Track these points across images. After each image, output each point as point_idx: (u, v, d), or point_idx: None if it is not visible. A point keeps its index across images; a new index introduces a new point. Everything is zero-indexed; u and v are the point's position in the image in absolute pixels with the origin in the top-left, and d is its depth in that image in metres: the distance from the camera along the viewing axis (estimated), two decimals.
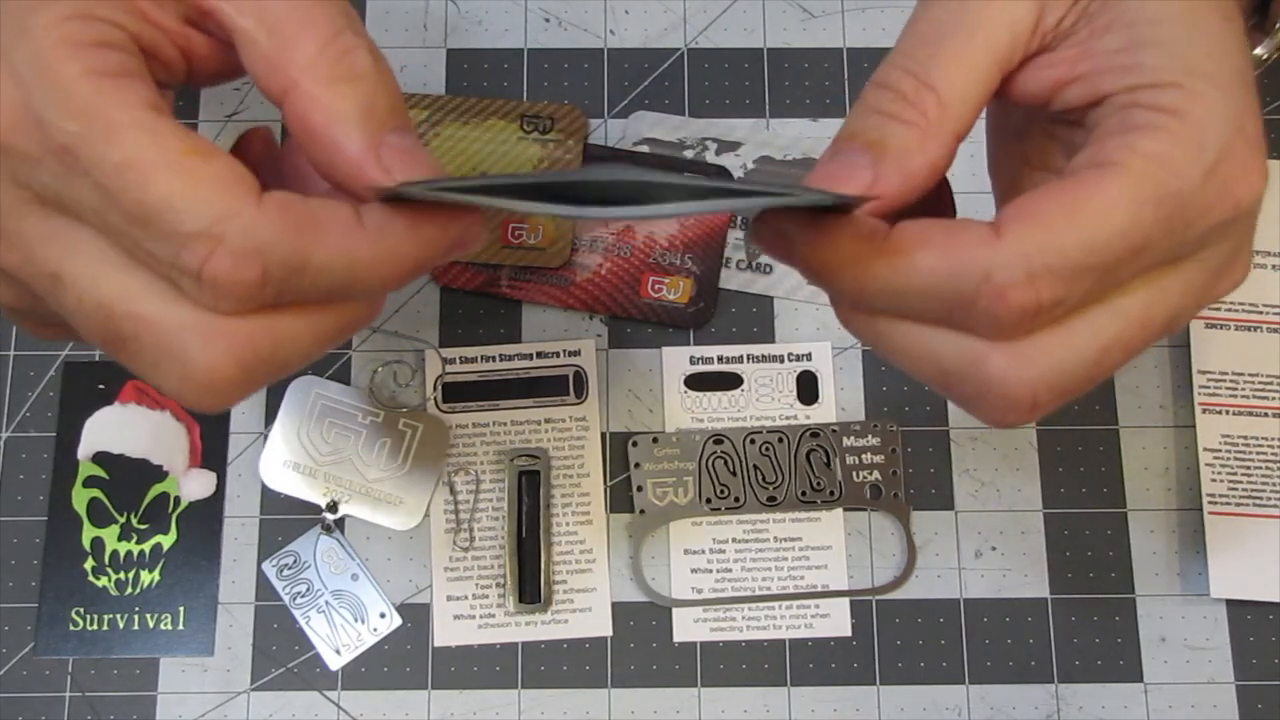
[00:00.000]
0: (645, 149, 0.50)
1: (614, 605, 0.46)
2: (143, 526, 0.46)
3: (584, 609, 0.46)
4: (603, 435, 0.48)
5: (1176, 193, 0.27)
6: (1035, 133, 0.32)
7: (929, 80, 0.29)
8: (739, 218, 0.49)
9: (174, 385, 0.27)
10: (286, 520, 0.47)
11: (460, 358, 0.48)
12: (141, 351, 0.27)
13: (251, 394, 0.28)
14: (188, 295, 0.26)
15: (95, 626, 0.46)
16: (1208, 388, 0.48)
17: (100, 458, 0.47)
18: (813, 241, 0.29)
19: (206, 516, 0.47)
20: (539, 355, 0.48)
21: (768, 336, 0.49)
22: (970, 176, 0.43)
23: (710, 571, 0.47)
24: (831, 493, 0.47)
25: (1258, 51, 0.41)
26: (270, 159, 0.32)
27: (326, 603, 0.46)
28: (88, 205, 0.26)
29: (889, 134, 0.29)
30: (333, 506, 0.46)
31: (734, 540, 0.47)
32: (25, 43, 0.26)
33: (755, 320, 0.49)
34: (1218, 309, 0.48)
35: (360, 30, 0.29)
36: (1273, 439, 0.47)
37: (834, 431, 0.48)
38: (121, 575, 0.46)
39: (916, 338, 0.29)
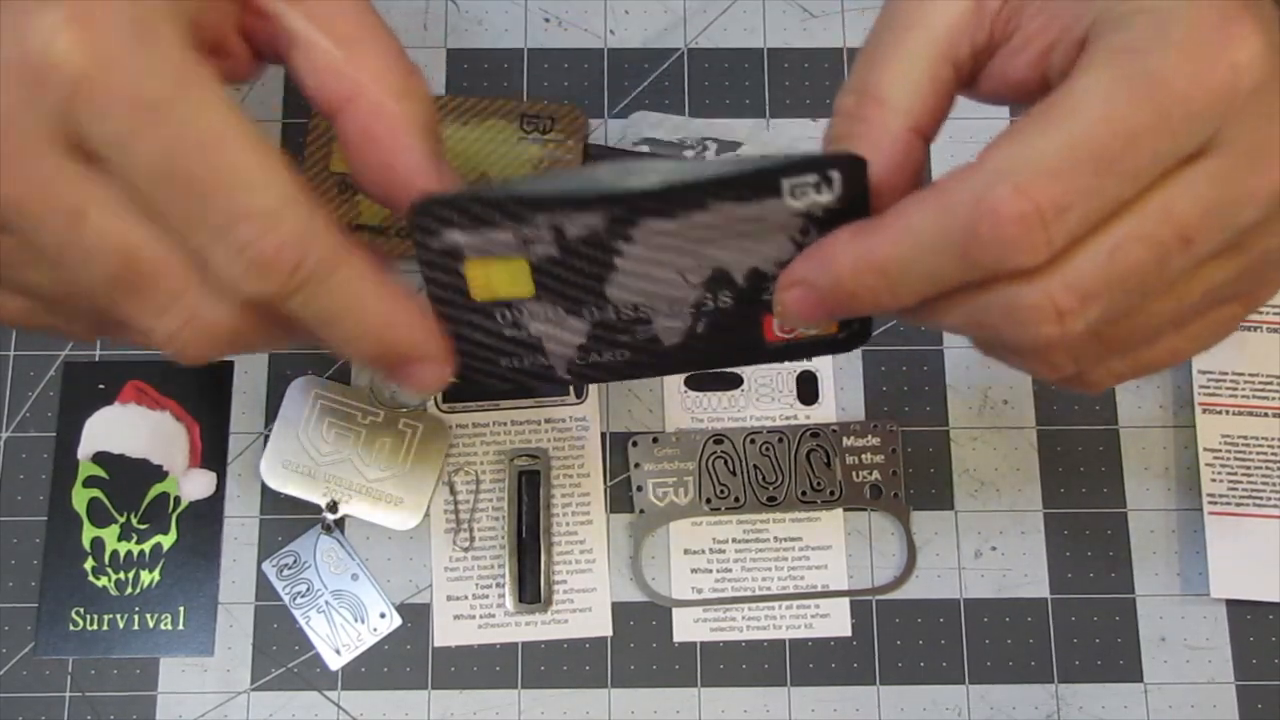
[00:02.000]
0: (645, 149, 0.50)
1: (614, 605, 0.46)
2: (143, 526, 0.46)
3: (584, 609, 0.46)
4: (603, 435, 0.48)
5: (1148, 70, 0.26)
6: None
7: (868, 90, 0.30)
8: None
9: (172, 328, 0.28)
10: (286, 520, 0.47)
11: None
12: (153, 297, 0.28)
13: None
14: (211, 268, 0.28)
15: (95, 626, 0.46)
16: (1208, 388, 0.48)
17: (100, 458, 0.47)
18: (822, 263, 0.29)
19: (206, 516, 0.47)
20: None
21: None
22: None
23: (710, 571, 0.47)
24: (831, 493, 0.47)
25: None
26: None
27: (326, 603, 0.46)
28: (142, 163, 0.26)
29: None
30: (333, 506, 0.46)
31: (734, 540, 0.47)
32: (129, 2, 0.26)
33: None
34: None
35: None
36: (1273, 439, 0.47)
37: (834, 431, 0.48)
38: (121, 575, 0.46)
39: (964, 312, 0.29)
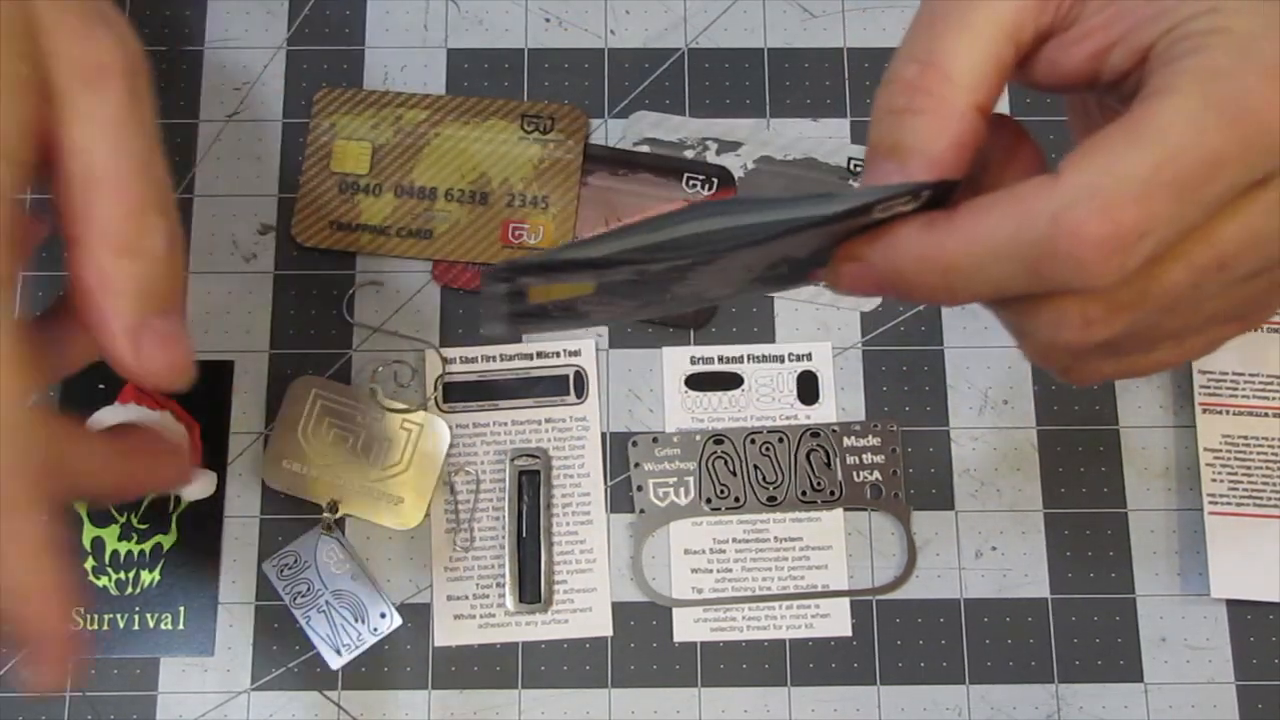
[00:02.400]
0: (646, 149, 0.50)
1: (614, 605, 0.46)
2: (143, 526, 0.46)
3: (584, 609, 0.46)
4: (603, 435, 0.48)
5: (1236, 96, 0.26)
6: (1107, 119, 0.32)
7: (932, 60, 0.29)
8: None
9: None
10: (286, 520, 0.47)
11: (460, 358, 0.48)
12: None
13: None
14: None
15: (95, 626, 0.46)
16: (1208, 388, 0.48)
17: None
18: (887, 250, 0.28)
19: (206, 516, 0.47)
20: (539, 355, 0.48)
21: (768, 336, 0.49)
22: None
23: (710, 571, 0.47)
24: (832, 493, 0.47)
25: None
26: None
27: (326, 603, 0.46)
28: None
29: (903, 132, 0.29)
30: (333, 506, 0.46)
31: (734, 540, 0.47)
32: None
33: (755, 320, 0.49)
34: None
35: (170, 213, 0.29)
36: (1273, 439, 0.47)
37: (834, 431, 0.48)
38: (121, 575, 0.46)
39: (1032, 319, 0.28)
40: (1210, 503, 0.47)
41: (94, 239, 0.28)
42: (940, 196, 0.29)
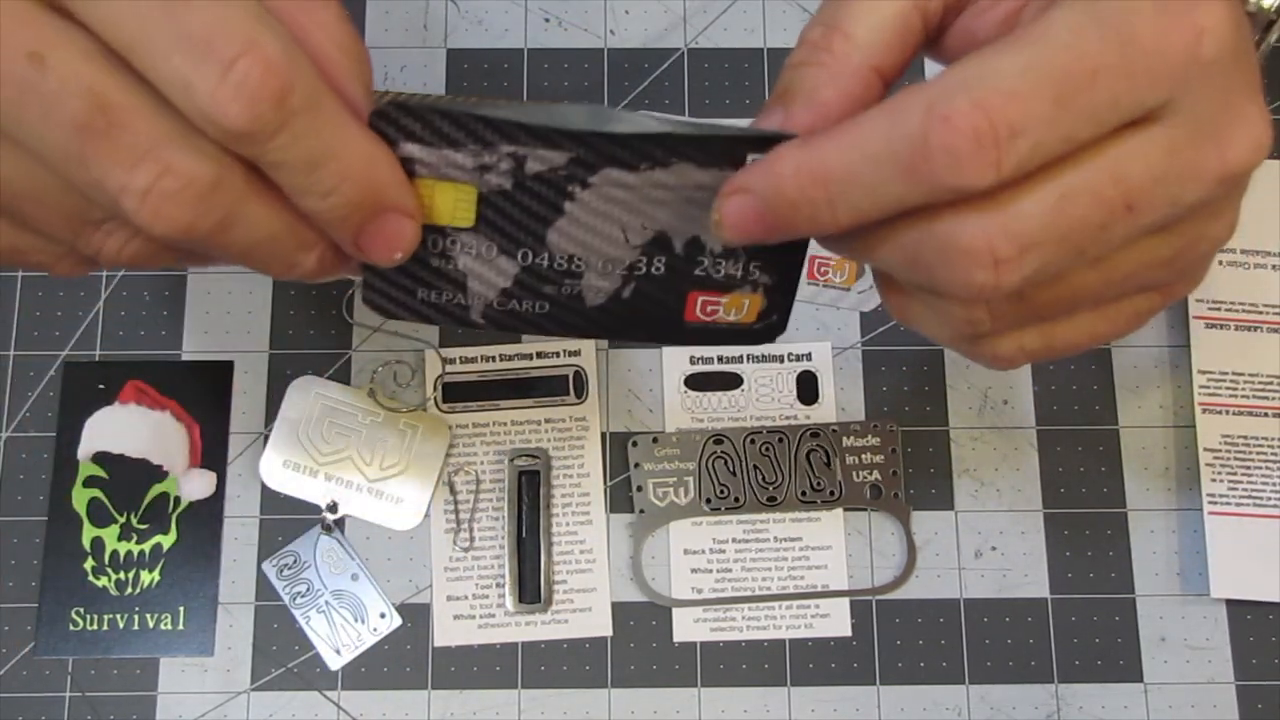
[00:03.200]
0: None
1: (614, 605, 0.46)
2: (143, 526, 0.46)
3: (584, 609, 0.46)
4: (603, 435, 0.48)
5: (1120, 15, 0.26)
6: None
7: (836, 23, 0.30)
8: None
9: (146, 181, 0.26)
10: (286, 520, 0.47)
11: (460, 358, 0.48)
12: (126, 144, 0.26)
13: (186, 241, 0.27)
14: (188, 106, 0.26)
15: (95, 626, 0.46)
16: (1208, 388, 0.48)
17: (100, 458, 0.47)
18: (766, 172, 0.28)
19: (206, 516, 0.47)
20: (539, 355, 0.48)
21: None
22: None
23: (710, 571, 0.47)
24: (831, 493, 0.47)
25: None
26: None
27: (326, 603, 0.46)
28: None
29: (796, 80, 0.30)
30: (333, 506, 0.46)
31: (734, 540, 0.47)
32: None
33: None
34: (1217, 309, 0.48)
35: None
36: (1273, 439, 0.47)
37: (834, 431, 0.48)
38: (121, 575, 0.46)
39: (899, 245, 0.28)
40: (1210, 503, 0.47)
41: (321, 37, 0.28)
42: None
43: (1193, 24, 0.26)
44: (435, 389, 0.48)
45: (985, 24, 0.30)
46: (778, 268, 0.32)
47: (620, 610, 0.46)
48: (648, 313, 0.33)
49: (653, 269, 0.32)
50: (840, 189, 0.27)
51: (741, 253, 0.31)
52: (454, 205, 0.30)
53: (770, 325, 0.33)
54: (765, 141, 0.28)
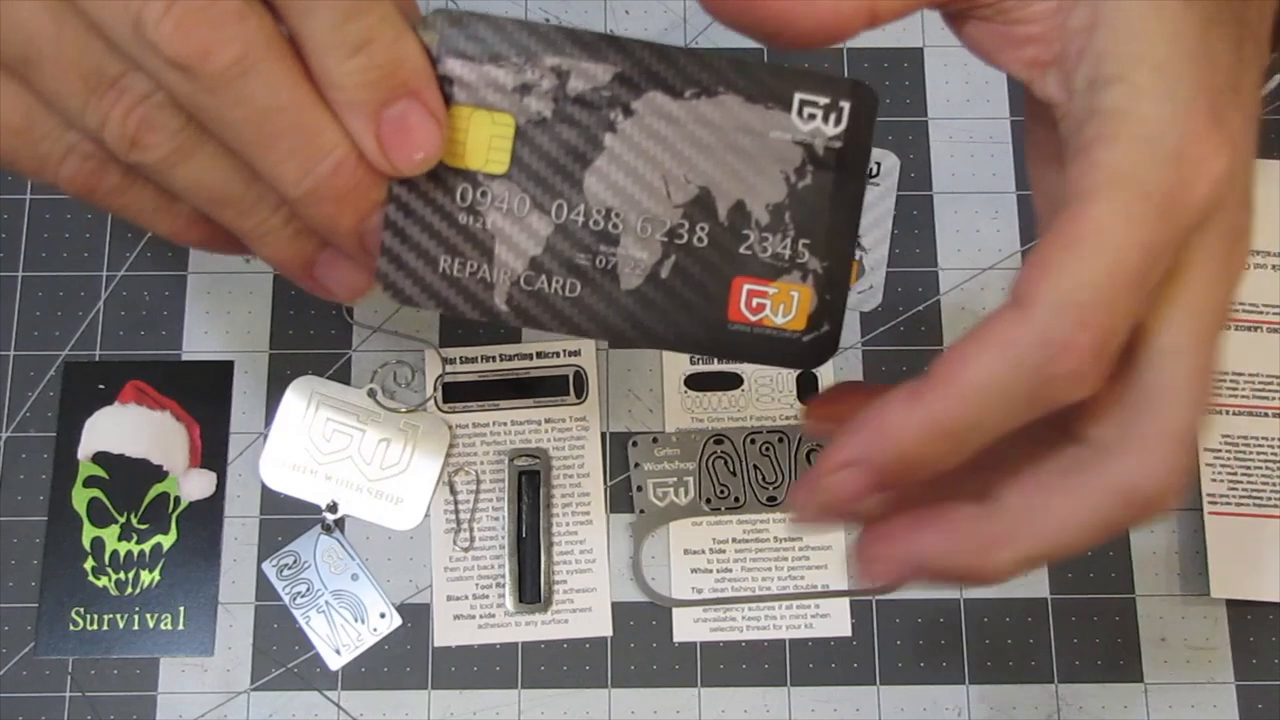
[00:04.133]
0: None
1: (614, 605, 0.46)
2: (143, 526, 0.46)
3: (584, 609, 0.46)
4: (603, 435, 0.48)
5: (1154, 187, 0.27)
6: (1050, 157, 0.32)
7: None
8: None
9: None
10: (286, 520, 0.47)
11: (460, 358, 0.48)
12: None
13: (199, 92, 0.26)
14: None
15: (95, 626, 0.46)
16: None
17: (100, 458, 0.47)
18: (881, 437, 0.28)
19: (206, 516, 0.47)
20: (539, 355, 0.48)
21: None
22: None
23: (710, 571, 0.47)
24: None
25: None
26: None
27: (326, 603, 0.46)
28: None
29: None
30: (333, 506, 0.46)
31: (734, 540, 0.47)
32: None
33: None
34: None
35: None
36: (1273, 439, 0.47)
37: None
38: (121, 575, 0.46)
39: (1070, 518, 0.28)
40: (1210, 503, 0.47)
41: (316, 48, 0.26)
42: (861, 133, 0.29)
43: (1210, 174, 0.27)
44: (435, 389, 0.48)
45: (1011, 62, 0.30)
46: (829, 246, 0.30)
47: (620, 610, 0.46)
48: (687, 302, 0.30)
49: (695, 238, 0.30)
50: (966, 435, 0.27)
51: (790, 225, 0.30)
52: (489, 143, 0.29)
53: (820, 339, 0.31)
54: (819, 83, 0.29)
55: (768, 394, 0.48)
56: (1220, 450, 0.47)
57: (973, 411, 0.27)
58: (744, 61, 0.29)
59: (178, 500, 0.47)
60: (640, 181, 0.29)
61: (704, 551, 0.47)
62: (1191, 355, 0.28)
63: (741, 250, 0.30)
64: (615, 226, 0.30)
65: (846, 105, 0.29)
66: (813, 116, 0.29)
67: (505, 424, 0.48)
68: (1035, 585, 0.47)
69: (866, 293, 0.49)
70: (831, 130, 0.29)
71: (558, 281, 0.30)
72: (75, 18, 0.26)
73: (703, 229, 0.30)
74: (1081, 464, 0.28)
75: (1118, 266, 0.26)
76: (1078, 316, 0.26)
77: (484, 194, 0.29)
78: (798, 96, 0.29)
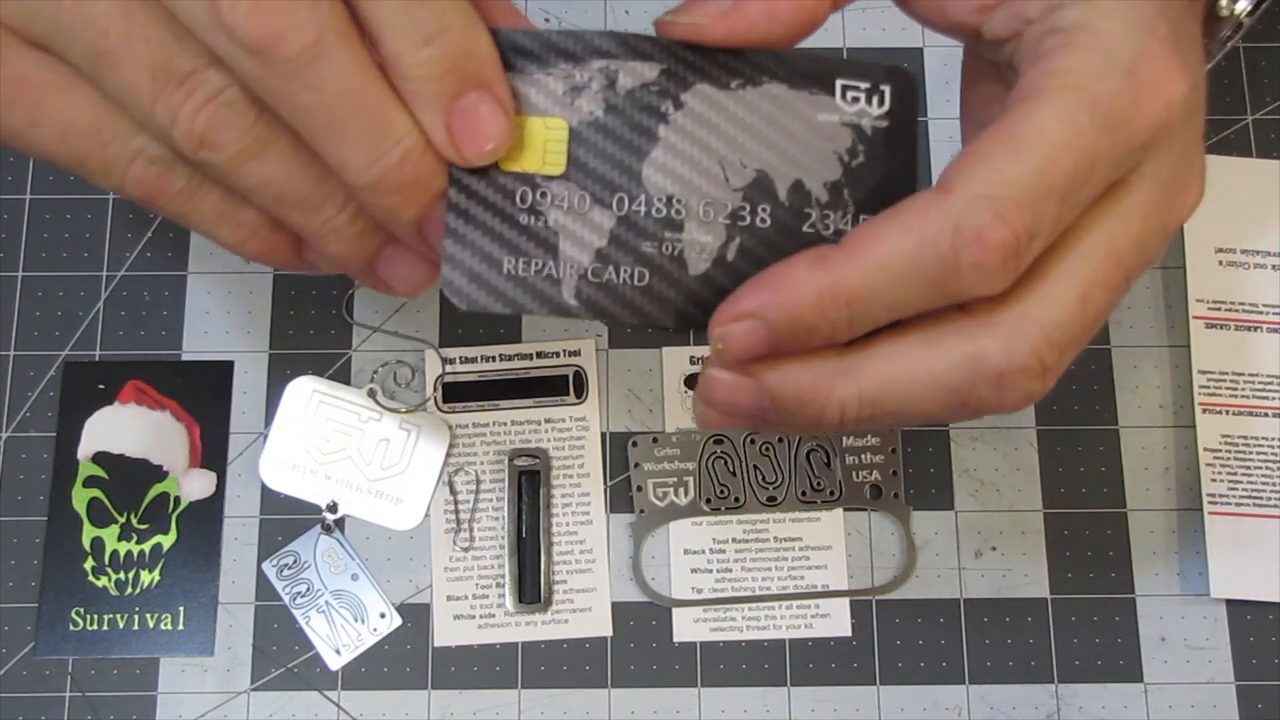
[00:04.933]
0: None
1: (614, 605, 0.46)
2: (143, 526, 0.46)
3: (584, 609, 0.46)
4: (603, 435, 0.48)
5: (1103, 96, 0.27)
6: (990, 77, 0.33)
7: None
8: None
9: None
10: (286, 520, 0.47)
11: (460, 358, 0.48)
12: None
13: (271, 78, 0.26)
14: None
15: (95, 626, 0.46)
16: (1208, 388, 0.48)
17: (100, 458, 0.47)
18: (781, 294, 0.28)
19: (206, 516, 0.47)
20: (539, 355, 0.48)
21: None
22: None
23: (710, 571, 0.47)
24: (831, 493, 0.47)
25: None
26: None
27: (326, 603, 0.46)
28: None
29: None
30: (333, 506, 0.46)
31: (734, 540, 0.47)
32: None
33: None
34: (1217, 309, 0.48)
35: None
36: (1273, 439, 0.47)
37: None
38: (121, 575, 0.46)
39: (917, 366, 0.28)
40: (1210, 503, 0.47)
41: (388, 37, 0.26)
42: (907, 111, 0.30)
43: (1165, 96, 0.28)
44: (435, 389, 0.48)
45: (958, 9, 0.31)
46: None
47: (620, 610, 0.46)
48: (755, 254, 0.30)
49: (757, 219, 0.30)
50: (864, 307, 0.27)
51: (850, 201, 0.30)
52: (544, 146, 0.29)
53: (901, 85, 0.31)
54: (859, 69, 0.30)
55: None
56: (1220, 450, 0.47)
57: (874, 282, 0.27)
58: (781, 54, 0.29)
59: (178, 500, 0.47)
60: (698, 168, 0.30)
61: (704, 551, 0.47)
62: (1096, 268, 0.28)
63: (805, 229, 0.30)
64: (678, 212, 0.30)
65: (887, 88, 0.30)
66: (856, 99, 0.30)
67: (505, 424, 0.48)
68: (1035, 585, 0.47)
69: None
70: (877, 110, 0.30)
71: (625, 271, 0.30)
72: (148, 12, 0.26)
73: (764, 210, 0.30)
74: (950, 328, 0.28)
75: (1050, 168, 0.27)
76: (996, 209, 0.26)
77: (543, 194, 0.29)
78: (839, 82, 0.30)
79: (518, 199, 0.29)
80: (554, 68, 0.29)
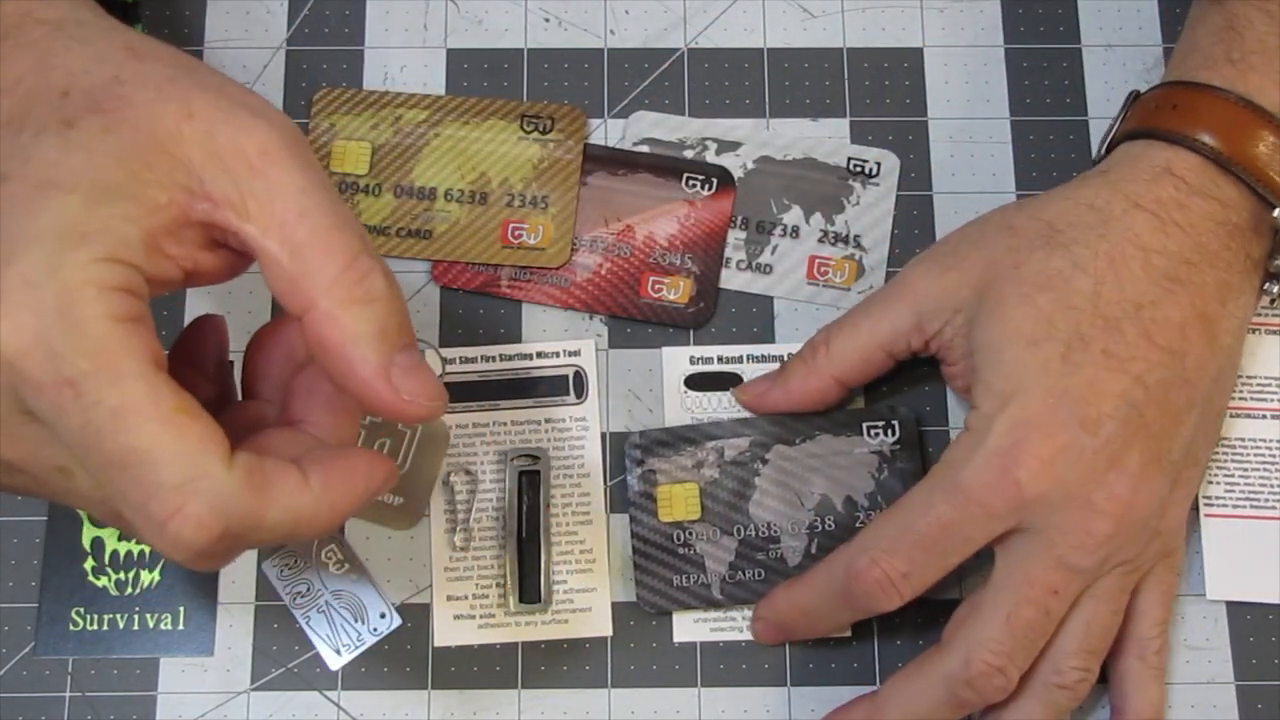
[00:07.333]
0: (645, 149, 0.50)
1: (614, 605, 0.46)
2: None
3: (584, 609, 0.46)
4: (603, 435, 0.48)
5: (958, 482, 0.40)
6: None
7: (827, 338, 0.45)
8: (740, 216, 0.50)
9: (166, 552, 0.30)
10: None
11: (460, 358, 0.48)
12: (139, 531, 0.30)
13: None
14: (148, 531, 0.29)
15: (95, 626, 0.46)
16: None
17: None
18: (771, 607, 0.45)
19: None
20: (539, 355, 0.48)
21: (768, 336, 0.49)
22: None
23: None
24: None
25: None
26: (218, 346, 0.36)
27: (326, 603, 0.46)
28: (69, 437, 0.28)
29: (789, 366, 0.46)
30: None
31: None
32: (55, 280, 0.28)
33: (755, 320, 0.49)
34: None
35: (374, 253, 0.32)
36: (1270, 441, 0.47)
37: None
38: (121, 575, 0.46)
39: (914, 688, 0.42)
40: (1206, 505, 0.47)
41: (322, 299, 0.30)
42: (911, 436, 0.47)
43: (1013, 479, 0.39)
44: None
45: (955, 385, 0.46)
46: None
47: (620, 610, 0.46)
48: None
49: (825, 526, 0.46)
50: (811, 617, 0.44)
51: (882, 504, 0.46)
52: (686, 503, 0.46)
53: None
54: (877, 415, 0.47)
55: None
56: (1218, 452, 0.47)
57: (811, 600, 0.44)
58: (824, 414, 0.46)
59: None
60: (784, 500, 0.46)
61: None
62: (1014, 593, 0.40)
63: (856, 525, 0.46)
64: (775, 532, 0.46)
65: (896, 423, 0.46)
66: (876, 434, 0.46)
67: (505, 424, 0.48)
68: None
69: (866, 293, 0.49)
70: (890, 440, 0.46)
71: (750, 573, 0.45)
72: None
73: (830, 520, 0.46)
74: (928, 658, 0.43)
75: (909, 529, 0.40)
76: (868, 556, 0.41)
77: (690, 534, 0.45)
78: (865, 424, 0.46)
79: (675, 539, 0.46)
80: (683, 451, 0.46)
